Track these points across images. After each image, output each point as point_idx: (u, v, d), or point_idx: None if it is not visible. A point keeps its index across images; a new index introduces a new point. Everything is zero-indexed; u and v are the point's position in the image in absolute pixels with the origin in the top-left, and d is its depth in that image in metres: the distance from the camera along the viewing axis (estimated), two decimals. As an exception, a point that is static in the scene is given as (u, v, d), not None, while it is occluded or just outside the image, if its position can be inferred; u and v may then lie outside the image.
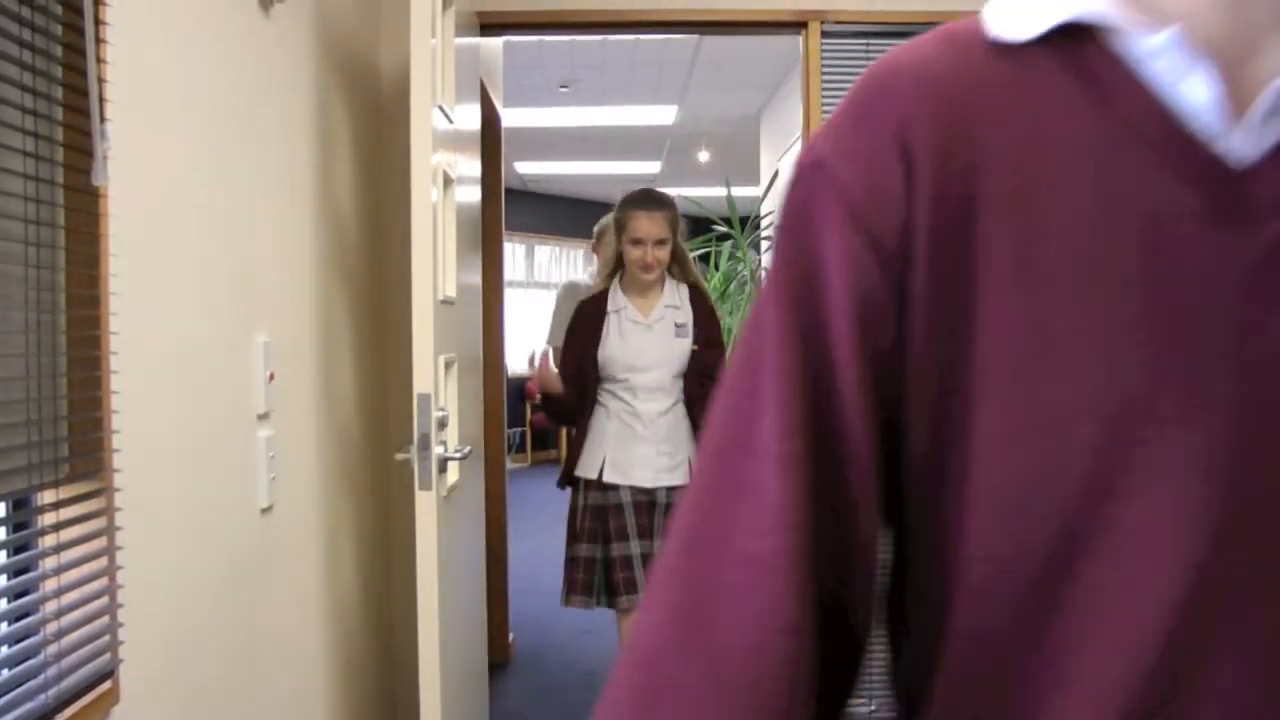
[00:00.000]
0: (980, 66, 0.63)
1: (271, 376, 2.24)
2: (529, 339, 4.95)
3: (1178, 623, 0.57)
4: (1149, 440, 0.57)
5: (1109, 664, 0.58)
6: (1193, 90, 0.59)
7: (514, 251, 11.45)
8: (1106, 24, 0.61)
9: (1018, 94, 0.62)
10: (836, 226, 0.62)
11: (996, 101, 0.62)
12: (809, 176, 0.64)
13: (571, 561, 3.37)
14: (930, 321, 0.61)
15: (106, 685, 1.57)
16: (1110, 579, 0.58)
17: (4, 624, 1.41)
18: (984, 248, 0.60)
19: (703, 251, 7.75)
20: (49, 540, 1.46)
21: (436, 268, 2.33)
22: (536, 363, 3.43)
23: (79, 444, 1.54)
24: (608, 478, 3.28)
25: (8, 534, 1.46)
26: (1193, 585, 0.57)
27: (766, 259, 7.28)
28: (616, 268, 3.46)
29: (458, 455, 2.46)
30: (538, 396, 3.46)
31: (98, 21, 1.51)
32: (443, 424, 2.36)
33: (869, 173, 0.61)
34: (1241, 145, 0.59)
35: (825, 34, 3.50)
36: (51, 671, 1.44)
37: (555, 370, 3.38)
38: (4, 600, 1.44)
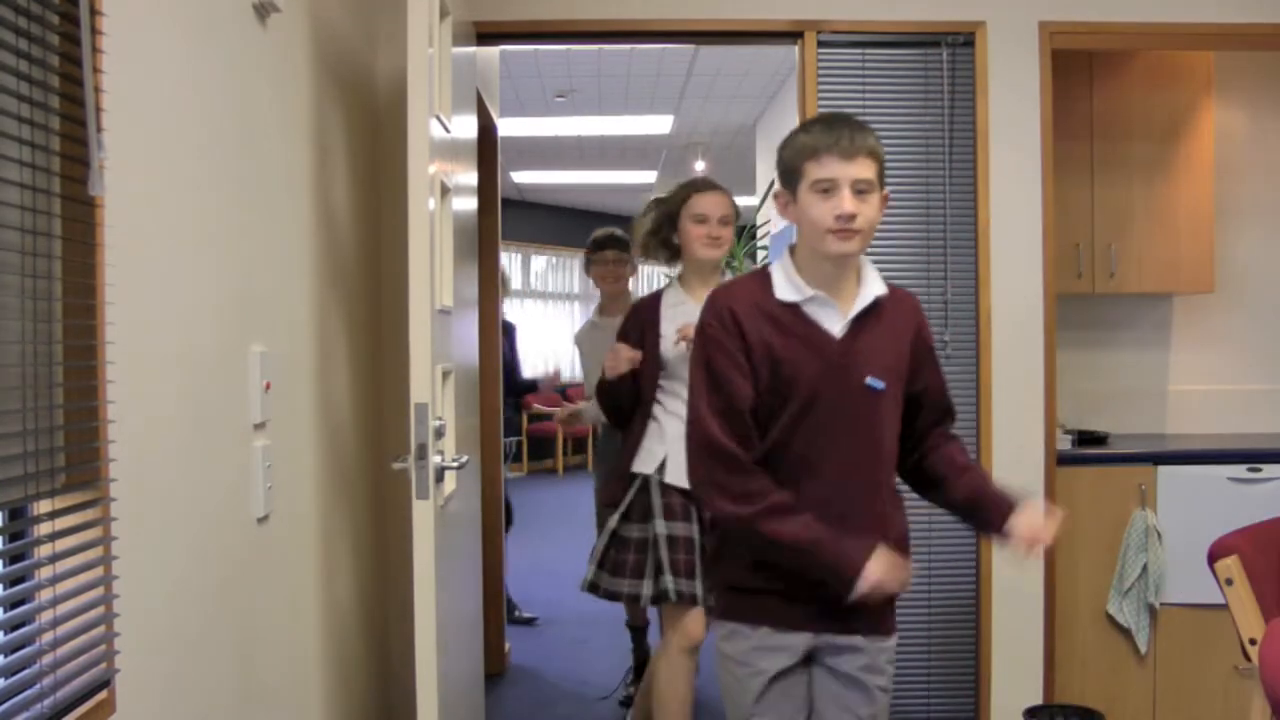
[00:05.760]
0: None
1: (268, 386, 2.24)
2: (525, 348, 5.10)
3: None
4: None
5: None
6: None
7: (510, 261, 11.46)
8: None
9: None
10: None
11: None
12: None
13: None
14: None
15: (102, 695, 1.56)
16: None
17: (0, 634, 1.41)
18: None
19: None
20: (45, 550, 1.46)
21: (433, 277, 2.33)
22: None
23: (75, 454, 1.54)
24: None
25: (4, 544, 1.45)
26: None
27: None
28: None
29: (454, 464, 2.46)
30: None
31: (94, 32, 1.51)
32: (440, 433, 2.36)
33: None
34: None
35: (821, 44, 3.51)
36: (48, 682, 1.44)
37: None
38: (0, 610, 1.44)
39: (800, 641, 2.06)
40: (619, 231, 4.45)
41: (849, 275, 2.04)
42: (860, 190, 1.94)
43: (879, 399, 2.03)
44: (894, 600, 2.10)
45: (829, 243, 1.95)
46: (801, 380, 1.99)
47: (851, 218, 1.92)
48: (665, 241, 3.25)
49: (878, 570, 1.93)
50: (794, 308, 2.02)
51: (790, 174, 2.01)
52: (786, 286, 2.03)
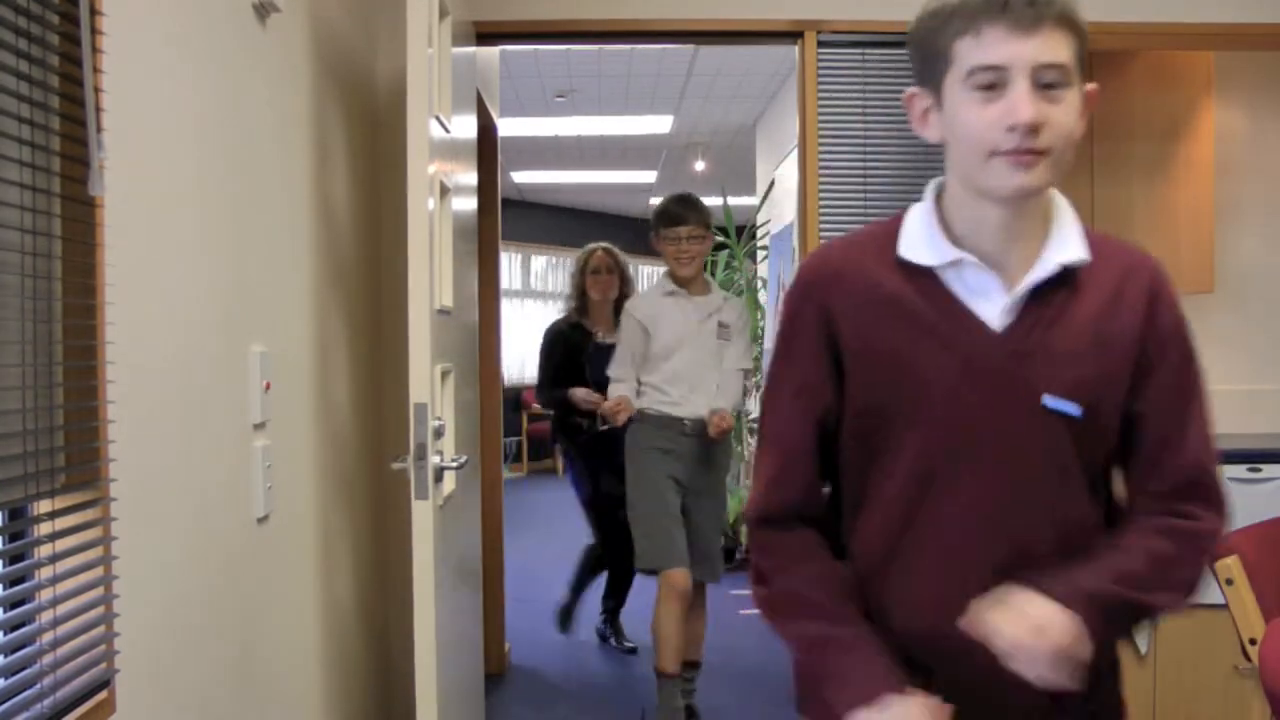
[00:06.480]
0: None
1: (268, 386, 2.24)
2: (525, 349, 4.95)
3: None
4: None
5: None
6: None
7: (510, 261, 11.46)
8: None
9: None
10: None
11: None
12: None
13: None
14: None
15: (102, 695, 1.56)
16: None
17: (0, 634, 1.41)
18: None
19: (699, 260, 7.75)
20: (45, 550, 1.46)
21: (433, 277, 2.33)
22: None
23: (75, 454, 1.54)
24: None
25: (4, 544, 1.45)
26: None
27: (763, 268, 7.26)
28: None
29: (454, 465, 2.46)
30: None
31: (94, 32, 1.51)
32: (439, 433, 2.36)
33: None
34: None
35: (821, 44, 3.51)
36: (47, 682, 1.44)
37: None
38: (0, 610, 1.44)
39: None
40: (697, 198, 3.79)
41: (1030, 227, 1.28)
42: (1048, 83, 1.18)
43: (1069, 433, 1.26)
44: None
45: (995, 171, 1.20)
46: (931, 397, 1.27)
47: (1034, 129, 1.17)
48: None
49: None
50: (928, 276, 1.29)
51: (931, 61, 1.25)
52: (920, 240, 1.30)
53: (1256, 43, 3.66)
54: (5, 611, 1.44)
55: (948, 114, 1.24)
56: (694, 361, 3.64)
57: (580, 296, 4.68)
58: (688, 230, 3.63)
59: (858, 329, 1.29)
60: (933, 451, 1.27)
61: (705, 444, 3.66)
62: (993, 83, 1.19)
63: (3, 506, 1.40)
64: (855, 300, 1.30)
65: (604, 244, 4.73)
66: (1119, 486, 1.36)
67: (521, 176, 10.49)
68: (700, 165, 9.35)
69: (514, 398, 10.88)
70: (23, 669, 1.41)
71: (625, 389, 3.69)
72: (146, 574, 1.70)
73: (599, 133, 8.75)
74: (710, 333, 3.67)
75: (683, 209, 3.67)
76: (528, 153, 9.37)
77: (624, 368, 3.74)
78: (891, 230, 1.33)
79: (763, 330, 6.47)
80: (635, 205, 12.08)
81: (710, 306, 3.70)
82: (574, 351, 4.58)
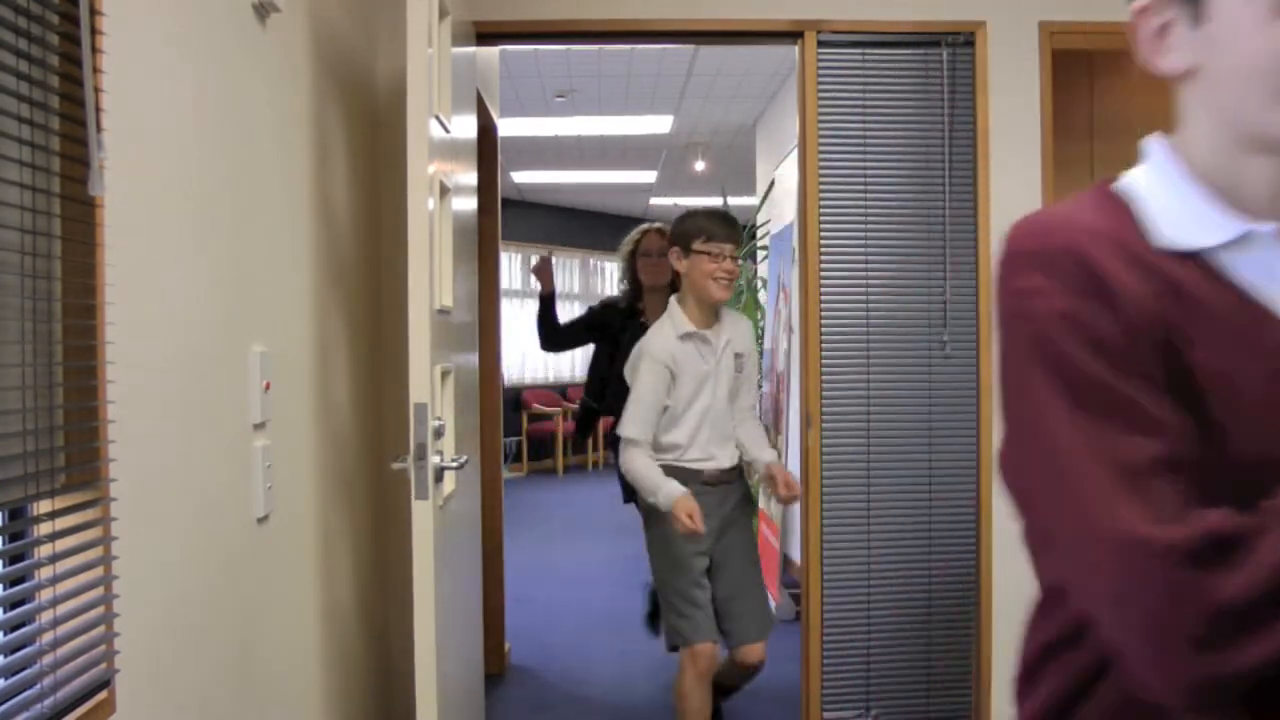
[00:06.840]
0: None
1: (268, 386, 2.24)
2: (526, 349, 4.89)
3: None
4: None
5: None
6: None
7: (510, 261, 11.46)
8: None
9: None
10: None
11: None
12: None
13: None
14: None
15: (102, 695, 1.56)
16: None
17: (0, 634, 1.41)
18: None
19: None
20: (45, 551, 1.46)
21: (433, 277, 2.33)
22: None
23: (75, 454, 1.54)
24: None
25: (3, 544, 1.45)
26: None
27: (763, 268, 7.25)
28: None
29: (454, 465, 2.46)
30: None
31: (94, 32, 1.51)
32: (439, 433, 2.36)
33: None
34: None
35: (821, 44, 3.51)
36: (48, 682, 1.44)
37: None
38: (0, 610, 1.44)
39: None
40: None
41: None
42: None
43: None
44: None
45: None
46: (1238, 413, 0.88)
47: None
48: None
49: None
50: (1194, 263, 0.92)
51: None
52: (1181, 216, 0.94)
53: (1256, 43, 3.66)
54: (5, 611, 1.44)
55: (1217, 31, 0.89)
56: (716, 407, 3.23)
57: (633, 281, 4.29)
58: (732, 249, 3.20)
59: (1140, 304, 0.88)
60: (1244, 483, 0.85)
61: (729, 490, 3.29)
62: None
63: (3, 506, 1.40)
64: (1127, 270, 0.89)
65: (658, 224, 4.29)
66: None
67: (521, 176, 10.49)
68: (700, 165, 9.35)
69: (514, 398, 10.89)
70: (23, 669, 1.41)
71: (649, 456, 3.15)
72: (146, 574, 1.70)
73: (599, 133, 8.76)
74: (728, 369, 3.26)
75: (728, 227, 3.22)
76: (528, 153, 9.37)
77: (643, 427, 3.15)
78: (1111, 205, 0.96)
79: (762, 331, 6.46)
80: (635, 205, 12.08)
81: (723, 337, 3.25)
82: (597, 329, 4.44)
